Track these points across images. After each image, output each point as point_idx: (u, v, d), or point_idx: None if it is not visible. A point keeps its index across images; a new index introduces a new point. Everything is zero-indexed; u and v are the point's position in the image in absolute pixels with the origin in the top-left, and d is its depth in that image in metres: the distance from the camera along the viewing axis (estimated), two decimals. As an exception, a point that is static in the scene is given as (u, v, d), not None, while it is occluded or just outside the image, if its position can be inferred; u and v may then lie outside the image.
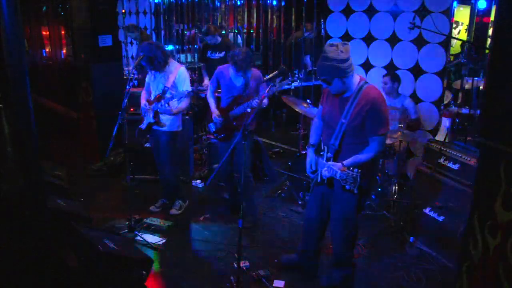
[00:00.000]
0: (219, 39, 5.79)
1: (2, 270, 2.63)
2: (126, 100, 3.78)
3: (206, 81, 6.04)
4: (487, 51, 4.94)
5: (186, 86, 4.07)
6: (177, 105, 4.08)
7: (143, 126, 4.23)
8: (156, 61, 3.95)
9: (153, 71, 4.12)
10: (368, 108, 2.79)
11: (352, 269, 3.27)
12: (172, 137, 4.23)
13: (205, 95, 5.85)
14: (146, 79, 4.30)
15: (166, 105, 4.00)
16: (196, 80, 6.31)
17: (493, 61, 2.14)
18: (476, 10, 5.05)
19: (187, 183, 5.17)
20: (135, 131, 4.39)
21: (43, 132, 4.38)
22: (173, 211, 4.44)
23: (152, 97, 4.16)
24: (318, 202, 3.21)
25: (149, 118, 4.16)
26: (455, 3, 4.54)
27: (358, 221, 3.12)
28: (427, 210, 3.75)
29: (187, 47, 8.03)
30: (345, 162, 2.84)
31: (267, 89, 3.29)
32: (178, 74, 4.05)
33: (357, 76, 2.89)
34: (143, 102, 4.23)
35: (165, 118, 4.14)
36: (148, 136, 4.41)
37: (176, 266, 3.60)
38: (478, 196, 2.26)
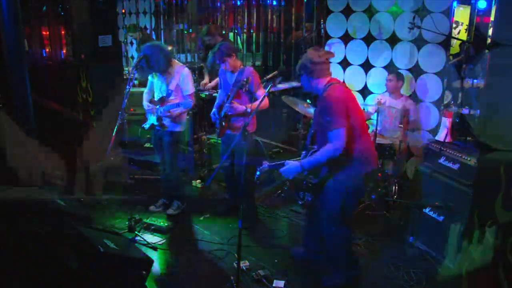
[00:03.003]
0: (219, 39, 5.60)
1: (2, 270, 2.63)
2: (126, 100, 3.78)
3: (206, 80, 6.03)
4: (487, 51, 4.93)
5: (189, 88, 4.07)
6: (179, 109, 4.07)
7: (146, 126, 4.23)
8: (158, 65, 3.93)
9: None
10: (322, 105, 2.97)
11: (354, 271, 3.31)
12: (175, 137, 4.22)
13: (206, 94, 5.89)
14: (149, 78, 4.27)
15: (168, 113, 3.99)
16: (196, 80, 6.29)
17: (493, 61, 2.14)
18: (476, 10, 5.03)
19: (187, 183, 5.18)
20: (138, 130, 4.38)
21: (43, 132, 4.37)
22: (170, 211, 4.43)
23: (156, 98, 4.15)
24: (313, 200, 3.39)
25: (152, 119, 4.15)
26: (455, 3, 4.52)
27: (358, 221, 3.13)
28: (427, 210, 3.75)
29: (187, 46, 8.03)
30: (302, 161, 3.00)
31: (267, 89, 3.29)
32: (182, 76, 4.04)
33: (325, 80, 3.01)
34: (146, 101, 4.22)
35: (167, 120, 4.14)
36: (148, 136, 4.40)
37: (176, 266, 3.60)
38: (478, 196, 2.26)
